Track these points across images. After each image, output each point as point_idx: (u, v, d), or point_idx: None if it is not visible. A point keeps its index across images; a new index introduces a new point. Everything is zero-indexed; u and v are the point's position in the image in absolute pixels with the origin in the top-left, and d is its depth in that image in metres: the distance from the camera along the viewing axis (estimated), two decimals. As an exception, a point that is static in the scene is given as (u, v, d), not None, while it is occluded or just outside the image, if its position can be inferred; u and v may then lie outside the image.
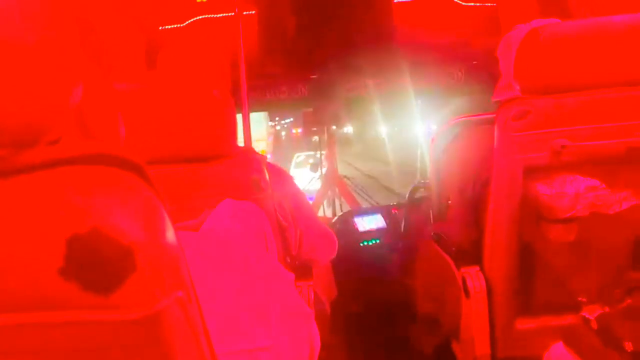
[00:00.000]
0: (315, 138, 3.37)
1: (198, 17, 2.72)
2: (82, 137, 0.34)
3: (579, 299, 1.21)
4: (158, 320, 0.29)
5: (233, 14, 2.12)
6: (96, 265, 0.27)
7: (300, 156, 14.00)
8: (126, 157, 0.30)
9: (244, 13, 2.39)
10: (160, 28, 2.69)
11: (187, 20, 2.72)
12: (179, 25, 2.71)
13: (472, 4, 2.80)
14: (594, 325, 1.15)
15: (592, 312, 1.19)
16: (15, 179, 0.28)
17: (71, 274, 0.27)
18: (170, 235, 0.31)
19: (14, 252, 0.26)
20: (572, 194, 1.12)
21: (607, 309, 1.16)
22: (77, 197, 0.28)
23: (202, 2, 2.70)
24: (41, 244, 0.27)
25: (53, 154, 0.29)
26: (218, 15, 2.70)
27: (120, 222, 0.28)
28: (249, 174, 1.12)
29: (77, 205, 0.27)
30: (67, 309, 0.27)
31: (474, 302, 1.28)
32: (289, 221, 1.22)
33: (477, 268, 1.29)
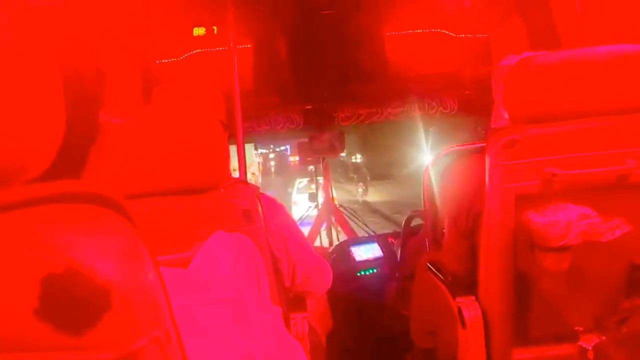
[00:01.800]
0: (311, 167, 3.39)
1: (195, 51, 2.77)
2: (63, 174, 0.34)
3: (576, 328, 1.20)
4: None
5: (228, 48, 2.16)
6: (71, 305, 0.27)
7: (302, 182, 14.18)
8: (104, 194, 0.30)
9: (240, 46, 2.44)
10: (157, 62, 2.73)
11: (184, 54, 2.76)
12: (176, 59, 2.76)
13: (464, 35, 2.86)
14: (591, 355, 1.13)
15: (589, 342, 1.18)
16: None
17: (45, 314, 0.27)
18: (150, 273, 0.31)
19: None
20: (565, 222, 1.12)
21: (603, 338, 1.15)
22: (52, 235, 0.28)
23: (199, 36, 2.75)
24: (15, 284, 0.27)
25: (27, 193, 0.29)
26: (214, 49, 2.75)
27: (97, 260, 0.28)
28: (240, 205, 1.12)
29: (52, 244, 0.27)
30: (40, 351, 0.27)
31: (470, 332, 1.26)
32: (282, 252, 1.21)
33: (473, 298, 1.28)
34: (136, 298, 0.29)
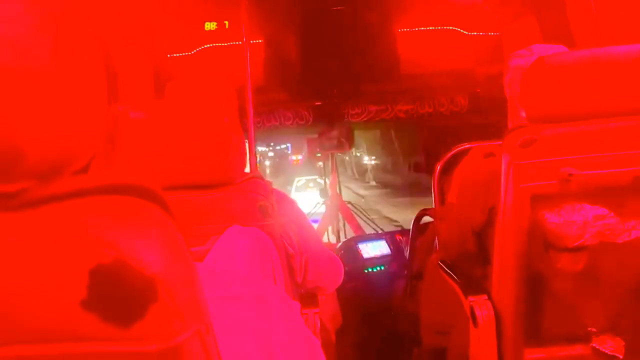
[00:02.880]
0: (320, 164, 3.39)
1: (206, 46, 2.77)
2: (106, 166, 0.34)
3: (589, 329, 1.19)
4: (177, 354, 0.29)
5: (240, 42, 2.16)
6: (118, 297, 0.27)
7: (300, 180, 14.62)
8: (149, 188, 0.30)
9: (251, 42, 2.44)
10: (168, 56, 2.73)
11: (195, 49, 2.76)
12: (187, 54, 2.76)
13: (476, 33, 2.84)
14: (605, 357, 1.13)
15: (602, 343, 1.17)
16: (39, 209, 0.28)
17: (93, 305, 0.27)
18: (191, 267, 0.31)
19: (37, 283, 0.26)
20: (581, 222, 1.12)
21: (617, 340, 1.14)
22: (100, 227, 0.28)
23: (210, 30, 2.75)
24: (64, 275, 0.27)
25: (76, 185, 0.29)
26: (225, 44, 2.75)
27: (143, 253, 0.28)
28: (256, 200, 1.12)
29: (100, 235, 0.27)
30: (87, 340, 0.27)
31: (483, 331, 1.26)
32: (294, 248, 1.22)
33: (485, 297, 1.28)
34: (180, 291, 0.29)
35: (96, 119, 0.32)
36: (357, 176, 20.34)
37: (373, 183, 18.13)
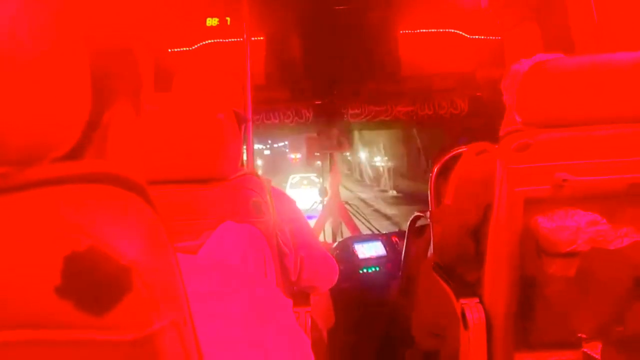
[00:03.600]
0: (318, 163, 3.40)
1: (207, 41, 2.77)
2: (98, 157, 0.34)
3: (579, 335, 1.19)
4: (152, 343, 0.29)
5: (241, 39, 2.16)
6: (92, 284, 0.27)
7: (295, 177, 14.72)
8: (128, 177, 0.30)
9: (252, 39, 2.44)
10: (170, 50, 2.73)
11: (197, 44, 2.77)
12: (188, 49, 2.76)
13: (477, 36, 2.84)
14: (594, 363, 1.13)
15: (592, 349, 1.17)
16: (14, 195, 0.28)
17: (67, 292, 0.27)
18: (170, 257, 0.31)
19: (11, 269, 0.27)
20: (573, 228, 1.12)
21: (607, 346, 1.14)
22: (77, 214, 0.28)
23: (211, 26, 2.75)
24: (38, 261, 0.27)
25: (53, 172, 0.29)
26: (227, 41, 2.75)
27: (119, 241, 0.28)
28: (250, 196, 1.12)
29: (75, 222, 0.27)
30: (61, 328, 0.27)
31: (473, 334, 1.26)
32: (289, 247, 1.22)
33: (477, 300, 1.28)
34: (156, 281, 0.29)
35: (78, 106, 0.32)
36: (368, 182, 15.92)
37: (393, 193, 13.56)
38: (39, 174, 0.28)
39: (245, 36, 2.12)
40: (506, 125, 1.48)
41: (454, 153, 1.79)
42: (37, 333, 0.27)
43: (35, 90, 0.28)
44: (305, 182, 13.66)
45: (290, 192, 12.00)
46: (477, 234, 1.36)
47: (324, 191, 3.26)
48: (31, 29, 0.29)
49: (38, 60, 0.29)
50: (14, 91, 0.28)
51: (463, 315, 1.27)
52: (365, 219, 3.37)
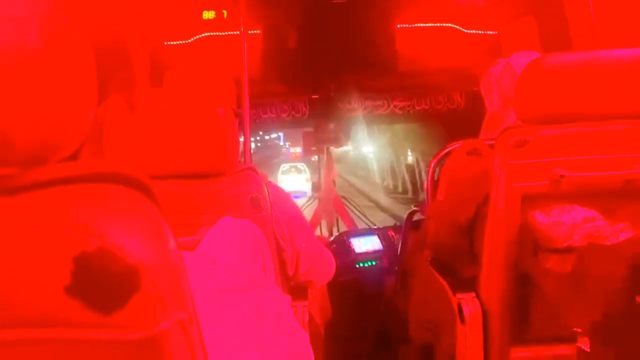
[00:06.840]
0: (315, 157, 3.40)
1: (203, 35, 2.75)
2: (96, 154, 0.34)
3: (575, 329, 1.20)
4: (159, 342, 0.29)
5: (238, 32, 2.14)
6: (101, 284, 0.27)
7: (285, 166, 17.05)
8: (135, 176, 0.30)
9: (249, 32, 2.43)
10: (165, 43, 2.72)
11: (193, 37, 2.75)
12: (184, 42, 2.74)
13: (475, 31, 2.84)
14: (589, 357, 1.14)
15: (587, 344, 1.18)
16: (23, 196, 0.28)
17: (76, 291, 0.27)
18: (175, 256, 0.31)
19: (21, 269, 0.27)
20: (570, 223, 1.12)
21: (601, 341, 1.15)
22: (85, 214, 0.28)
23: (208, 19, 2.73)
24: (48, 261, 0.27)
25: (61, 172, 0.29)
26: (223, 34, 2.74)
27: (127, 241, 0.28)
28: (248, 192, 1.12)
29: (84, 223, 0.27)
30: (70, 327, 0.27)
31: (469, 328, 1.27)
32: (287, 242, 1.22)
33: (473, 294, 1.29)
34: (163, 280, 0.29)
35: (85, 106, 0.32)
36: (411, 194, 10.56)
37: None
38: (47, 174, 0.28)
39: (242, 29, 2.11)
40: (486, 129, 1.48)
41: (452, 147, 1.79)
42: (47, 332, 0.27)
43: (43, 91, 0.28)
44: (293, 169, 16.61)
45: (281, 177, 14.68)
46: (471, 231, 1.37)
47: (318, 187, 3.26)
48: (36, 30, 0.29)
49: (43, 61, 0.28)
50: (22, 92, 0.28)
51: (460, 309, 1.28)
52: (362, 213, 3.38)
